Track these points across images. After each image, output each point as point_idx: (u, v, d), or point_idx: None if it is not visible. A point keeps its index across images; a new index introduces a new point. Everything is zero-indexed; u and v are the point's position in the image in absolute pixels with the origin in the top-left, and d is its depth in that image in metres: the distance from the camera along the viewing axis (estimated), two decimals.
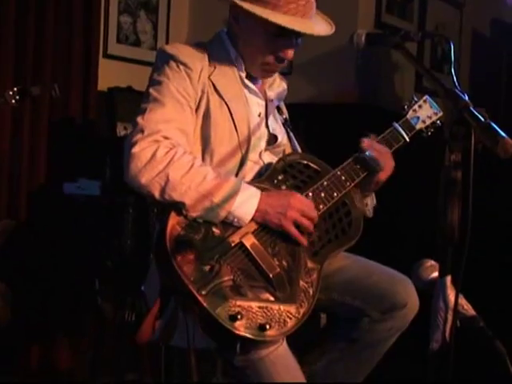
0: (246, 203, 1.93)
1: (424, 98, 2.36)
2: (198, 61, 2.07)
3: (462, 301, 1.77)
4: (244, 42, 2.12)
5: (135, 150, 1.92)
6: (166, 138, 1.95)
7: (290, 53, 2.09)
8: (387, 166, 2.18)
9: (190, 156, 1.97)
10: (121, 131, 3.53)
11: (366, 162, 2.16)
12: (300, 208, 1.98)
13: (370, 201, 2.28)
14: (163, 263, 1.88)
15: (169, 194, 1.90)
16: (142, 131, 1.95)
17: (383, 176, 2.18)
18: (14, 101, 2.82)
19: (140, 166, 1.91)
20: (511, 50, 4.67)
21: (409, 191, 3.44)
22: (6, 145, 3.39)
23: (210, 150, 2.05)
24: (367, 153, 2.16)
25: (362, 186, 2.20)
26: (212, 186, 1.91)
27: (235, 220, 1.93)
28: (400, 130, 2.27)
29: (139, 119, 1.98)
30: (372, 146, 2.17)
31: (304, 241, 1.99)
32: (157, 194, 1.92)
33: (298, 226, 1.99)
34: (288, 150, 2.25)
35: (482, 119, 1.53)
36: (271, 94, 2.24)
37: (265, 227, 1.97)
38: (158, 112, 1.99)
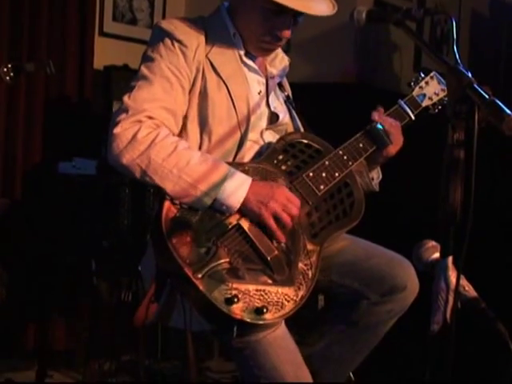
0: (235, 191, 1.87)
1: (431, 74, 2.31)
2: (194, 38, 2.02)
3: (464, 282, 1.75)
4: (242, 18, 2.06)
5: (117, 130, 1.88)
6: (150, 117, 1.90)
7: (288, 32, 2.04)
8: (397, 139, 2.15)
9: (175, 138, 1.91)
10: None
11: (376, 135, 2.12)
12: (283, 202, 1.91)
13: (376, 174, 2.25)
14: (159, 245, 1.85)
15: (150, 177, 1.86)
16: (126, 111, 1.90)
17: (393, 150, 2.15)
18: (8, 77, 2.79)
19: (121, 146, 1.86)
20: (511, 30, 4.62)
21: (410, 170, 3.42)
22: (1, 123, 3.36)
23: (208, 130, 2.00)
24: (378, 124, 2.13)
25: (369, 160, 2.17)
26: (196, 172, 1.85)
27: (223, 208, 1.87)
28: (405, 107, 2.23)
29: (125, 98, 1.94)
30: (382, 119, 2.15)
31: (282, 237, 1.92)
32: (138, 176, 1.87)
33: (277, 219, 1.92)
34: (290, 129, 2.21)
35: (487, 96, 1.49)
36: (273, 70, 2.19)
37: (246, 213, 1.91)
38: (145, 90, 1.94)
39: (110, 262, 3.08)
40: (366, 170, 2.18)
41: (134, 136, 1.87)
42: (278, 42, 2.07)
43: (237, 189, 1.87)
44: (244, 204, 1.88)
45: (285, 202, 1.91)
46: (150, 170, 1.86)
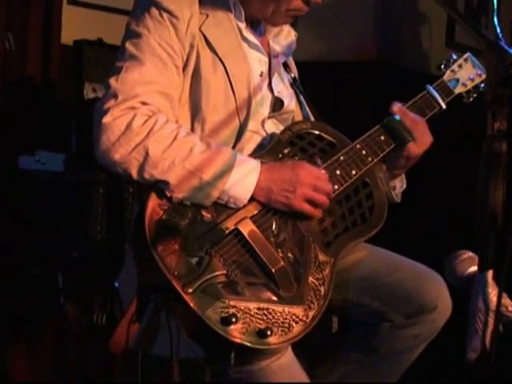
0: (244, 179, 1.92)
1: (465, 55, 2.34)
2: (186, 7, 2.04)
3: (506, 301, 1.78)
4: None
5: (107, 119, 1.90)
6: (145, 103, 1.93)
7: None
8: (421, 137, 2.16)
9: (174, 125, 1.95)
10: (89, 93, 3.47)
11: (394, 131, 2.15)
12: (312, 182, 1.96)
13: (399, 183, 2.26)
14: (141, 254, 1.86)
15: (149, 172, 1.89)
16: (116, 96, 1.93)
17: (416, 150, 2.16)
18: None
19: (113, 138, 1.89)
20: None
21: (442, 168, 3.43)
22: None
23: (201, 117, 2.03)
24: (396, 116, 2.15)
25: (389, 164, 2.19)
26: (201, 160, 1.89)
27: (231, 200, 1.91)
28: (435, 94, 2.25)
29: (112, 81, 1.96)
30: (404, 112, 2.16)
31: (320, 213, 1.99)
32: (134, 173, 1.90)
33: (310, 202, 1.98)
34: (297, 117, 2.23)
35: None
36: (276, 47, 2.22)
37: (266, 211, 1.96)
38: (135, 72, 1.96)
39: (80, 276, 3.07)
40: (385, 176, 2.20)
41: (129, 125, 1.89)
42: (308, 6, 2.11)
43: (244, 177, 1.92)
44: (267, 197, 1.94)
45: (314, 181, 1.97)
46: (149, 163, 1.88)
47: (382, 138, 2.14)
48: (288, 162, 2.02)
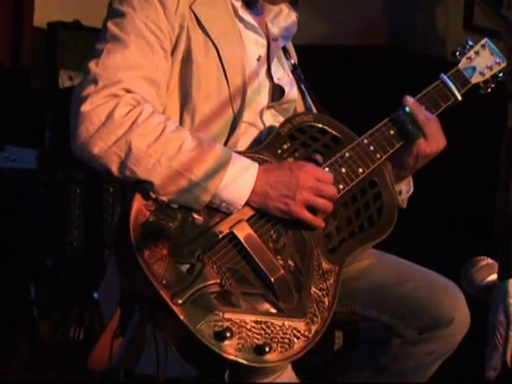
0: (238, 181, 1.91)
1: (483, 41, 2.35)
2: None
3: None
4: None
5: (85, 107, 1.89)
6: (128, 91, 1.93)
7: None
8: (433, 136, 2.17)
9: (161, 117, 1.94)
10: (65, 82, 3.48)
11: (404, 125, 2.16)
12: (313, 185, 1.96)
13: (406, 186, 2.27)
14: (125, 260, 1.86)
15: (131, 170, 1.88)
16: (96, 82, 1.92)
17: (426, 148, 2.16)
18: None
19: (92, 130, 1.88)
20: None
21: (456, 165, 3.40)
22: None
23: (191, 107, 2.03)
24: (407, 109, 2.16)
25: (396, 163, 2.19)
26: (190, 159, 1.89)
27: (223, 205, 1.91)
28: (450, 84, 2.26)
29: (92, 65, 1.95)
30: (417, 107, 2.17)
31: (322, 223, 1.99)
32: (115, 169, 1.89)
33: (311, 208, 1.98)
34: (299, 109, 2.23)
35: None
36: (275, 29, 2.22)
37: (265, 213, 1.96)
38: (118, 55, 1.96)
39: (55, 286, 3.06)
40: (390, 177, 2.20)
41: (110, 115, 1.89)
42: None
43: (239, 179, 1.92)
44: (263, 203, 1.94)
45: (315, 184, 1.96)
46: (132, 160, 1.88)
47: (392, 132, 2.15)
48: (286, 162, 2.02)
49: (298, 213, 1.95)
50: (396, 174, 2.20)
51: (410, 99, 2.17)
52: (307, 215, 1.96)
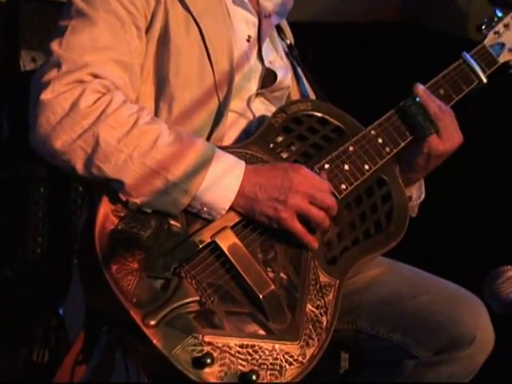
0: (222, 182, 1.88)
1: None
2: None
3: None
4: None
5: (47, 95, 1.87)
6: (97, 76, 1.90)
7: None
8: (447, 131, 2.14)
9: (134, 106, 1.91)
10: (27, 64, 3.48)
11: (413, 119, 2.13)
12: (309, 191, 1.92)
13: (416, 192, 2.25)
14: (90, 274, 1.83)
15: (98, 167, 1.85)
16: (59, 65, 1.89)
17: (439, 146, 2.14)
18: None
19: (54, 121, 1.85)
20: None
21: (479, 161, 3.41)
22: None
23: (169, 94, 2.00)
24: (417, 98, 2.13)
25: (405, 164, 2.18)
26: (167, 156, 1.85)
27: (204, 209, 1.88)
28: (473, 64, 2.23)
29: (55, 45, 1.92)
30: (429, 97, 2.14)
31: (315, 243, 1.95)
32: (80, 167, 1.86)
33: (304, 219, 1.94)
34: (294, 97, 2.23)
35: None
36: (268, 4, 2.19)
37: (252, 219, 1.92)
38: (85, 34, 1.93)
39: (15, 300, 3.03)
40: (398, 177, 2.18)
41: (74, 104, 1.86)
42: None
43: (223, 180, 1.88)
44: (249, 207, 1.90)
45: (311, 190, 1.93)
46: (99, 156, 1.84)
47: (402, 122, 2.13)
48: (281, 163, 1.98)
49: (288, 221, 1.91)
50: (405, 177, 2.19)
51: (420, 87, 2.15)
52: (297, 226, 1.92)
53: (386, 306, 2.14)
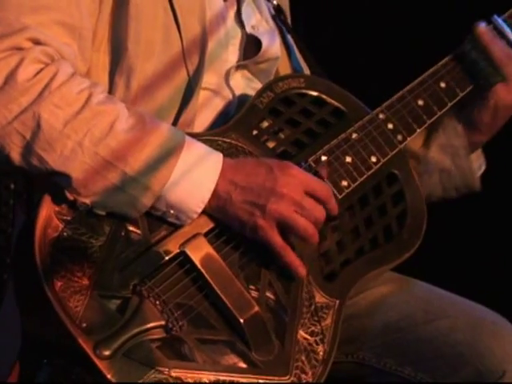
0: (194, 178, 1.89)
1: None
2: None
3: None
4: None
5: None
6: (38, 42, 1.91)
7: None
8: None
9: (85, 81, 1.92)
10: None
11: (473, 66, 2.18)
12: (297, 198, 1.93)
13: (477, 160, 2.30)
14: (28, 293, 1.84)
15: (39, 157, 1.85)
16: None
17: (508, 97, 2.20)
18: None
19: None
20: None
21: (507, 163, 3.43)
22: None
23: (127, 66, 2.02)
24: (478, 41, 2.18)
25: (466, 122, 2.23)
26: (125, 143, 1.86)
27: (171, 212, 1.89)
28: (506, 30, 2.25)
29: None
30: (492, 39, 2.19)
31: (301, 268, 1.95)
32: (15, 155, 1.87)
33: (286, 232, 1.95)
34: (284, 70, 2.25)
35: None
36: None
37: (227, 225, 1.94)
38: None
39: None
40: (463, 143, 2.23)
41: (11, 77, 1.86)
42: None
43: (195, 175, 1.89)
44: (222, 210, 1.92)
45: (300, 197, 1.93)
46: (41, 142, 1.85)
47: (443, 85, 2.17)
48: (266, 159, 1.99)
49: (265, 230, 1.92)
50: (469, 141, 2.25)
51: (481, 27, 2.20)
52: (276, 239, 1.93)
53: (395, 333, 2.17)
